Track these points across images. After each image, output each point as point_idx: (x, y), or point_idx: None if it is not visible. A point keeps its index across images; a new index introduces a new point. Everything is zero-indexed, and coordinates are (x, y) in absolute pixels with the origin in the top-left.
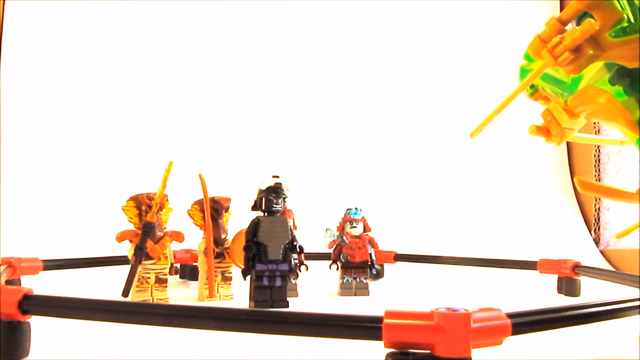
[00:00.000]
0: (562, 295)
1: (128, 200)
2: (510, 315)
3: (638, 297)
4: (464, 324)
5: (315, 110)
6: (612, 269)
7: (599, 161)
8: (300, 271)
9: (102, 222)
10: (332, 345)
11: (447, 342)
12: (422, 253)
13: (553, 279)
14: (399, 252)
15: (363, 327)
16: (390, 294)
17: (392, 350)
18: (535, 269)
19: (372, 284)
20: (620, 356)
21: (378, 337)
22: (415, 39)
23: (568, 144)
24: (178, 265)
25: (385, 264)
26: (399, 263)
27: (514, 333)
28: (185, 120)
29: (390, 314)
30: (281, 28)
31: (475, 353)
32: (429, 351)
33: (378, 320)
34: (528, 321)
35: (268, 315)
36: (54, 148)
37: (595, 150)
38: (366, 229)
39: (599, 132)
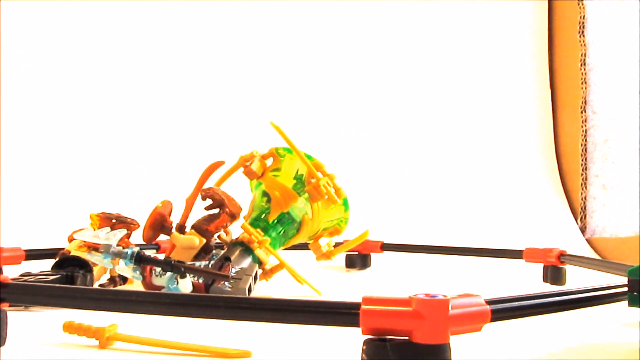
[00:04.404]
0: (548, 284)
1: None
2: (490, 302)
3: (618, 284)
4: (442, 310)
5: (311, 105)
6: (598, 257)
7: (585, 150)
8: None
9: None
10: (310, 332)
11: (425, 328)
12: (408, 242)
13: (539, 267)
14: (385, 242)
15: (340, 314)
16: (375, 283)
17: (370, 336)
18: (521, 258)
19: (358, 273)
20: (601, 343)
21: (355, 324)
22: (411, 35)
23: (555, 133)
24: None
25: (372, 254)
26: (385, 252)
27: (494, 320)
28: (185, 119)
29: (367, 300)
30: (280, 25)
31: (454, 340)
32: (407, 337)
33: (355, 306)
34: (507, 307)
35: (245, 302)
36: (50, 145)
37: (582, 139)
38: None
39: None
